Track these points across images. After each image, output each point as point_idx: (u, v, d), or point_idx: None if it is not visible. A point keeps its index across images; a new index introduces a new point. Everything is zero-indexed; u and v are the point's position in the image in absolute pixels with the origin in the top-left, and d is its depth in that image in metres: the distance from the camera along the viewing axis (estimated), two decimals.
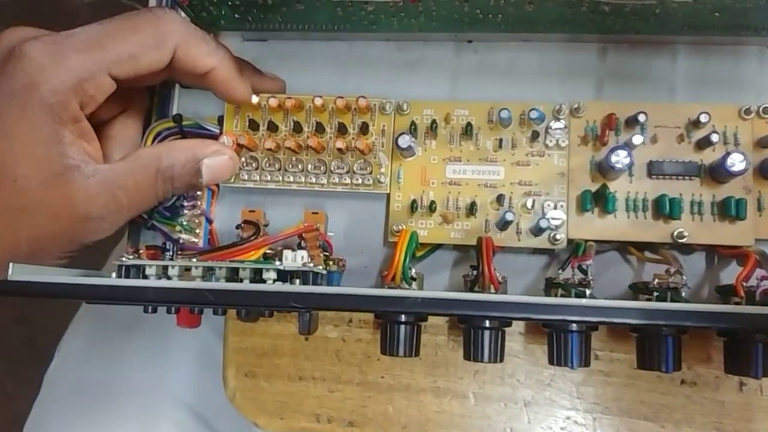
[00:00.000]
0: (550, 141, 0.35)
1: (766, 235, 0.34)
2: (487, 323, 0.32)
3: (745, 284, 0.31)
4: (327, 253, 0.35)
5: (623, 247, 0.36)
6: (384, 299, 0.27)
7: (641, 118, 0.34)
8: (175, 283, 0.29)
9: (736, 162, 0.32)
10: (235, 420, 0.39)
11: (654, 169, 0.35)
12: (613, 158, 0.33)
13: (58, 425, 0.45)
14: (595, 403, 0.36)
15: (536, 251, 0.36)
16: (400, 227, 0.35)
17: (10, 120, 0.29)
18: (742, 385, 0.35)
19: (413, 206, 0.35)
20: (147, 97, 0.37)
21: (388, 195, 0.36)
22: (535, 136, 0.35)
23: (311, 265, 0.31)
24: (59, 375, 0.49)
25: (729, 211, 0.34)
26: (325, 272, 0.32)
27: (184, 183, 0.33)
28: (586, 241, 0.34)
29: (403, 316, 0.32)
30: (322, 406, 0.36)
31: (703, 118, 0.34)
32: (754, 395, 0.35)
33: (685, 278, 0.32)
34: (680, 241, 0.34)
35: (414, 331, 0.33)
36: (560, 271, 0.33)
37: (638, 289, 0.34)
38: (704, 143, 0.34)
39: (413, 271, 0.33)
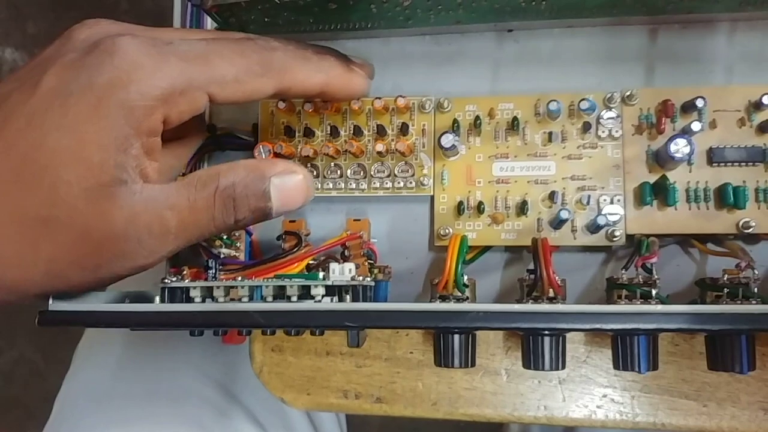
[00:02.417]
0: (603, 132, 0.34)
1: None
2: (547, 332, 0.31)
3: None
4: (372, 261, 0.34)
5: (685, 241, 0.34)
6: (443, 314, 0.26)
7: (699, 103, 0.32)
8: (223, 306, 0.28)
9: None
10: (264, 395, 0.39)
11: (715, 157, 0.33)
12: (673, 147, 0.31)
13: (87, 399, 0.44)
14: (633, 380, 0.34)
15: (592, 248, 0.35)
16: (447, 231, 0.34)
17: (77, 115, 0.25)
18: None
19: (460, 208, 0.34)
20: (204, 129, 0.36)
21: (432, 197, 0.35)
22: (586, 127, 0.33)
23: (360, 278, 0.30)
24: (88, 350, 0.48)
25: None
26: (373, 284, 0.31)
27: (249, 208, 0.27)
28: (648, 236, 0.32)
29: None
30: (350, 382, 0.35)
31: (765, 100, 0.32)
32: None
33: (756, 272, 0.30)
34: (746, 231, 0.32)
35: (469, 341, 0.31)
36: (623, 271, 0.31)
37: (706, 286, 0.32)
38: (767, 126, 0.32)
39: (466, 277, 0.31)
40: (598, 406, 0.35)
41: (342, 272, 0.29)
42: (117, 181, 0.25)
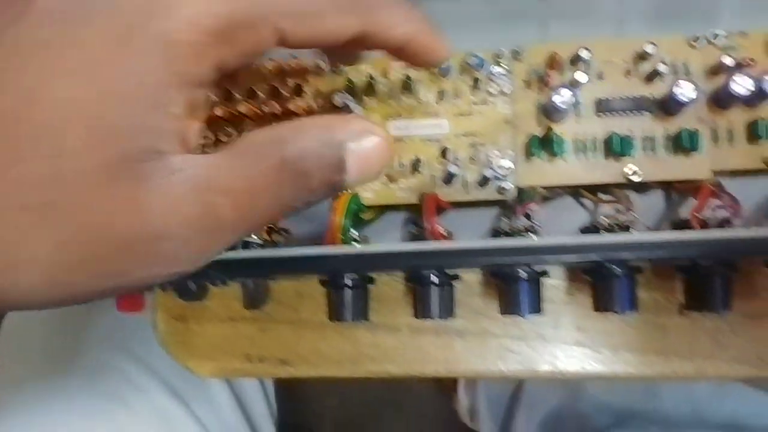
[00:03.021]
0: (493, 88, 0.34)
1: (723, 166, 0.33)
2: (435, 279, 0.31)
3: (699, 215, 0.30)
4: (271, 224, 0.34)
5: (577, 192, 0.34)
6: (316, 259, 0.26)
7: (584, 54, 0.33)
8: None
9: (687, 91, 0.31)
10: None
11: (602, 107, 0.33)
12: (556, 98, 0.32)
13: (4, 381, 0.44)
14: (530, 330, 0.35)
15: (490, 204, 0.35)
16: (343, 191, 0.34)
17: (93, 51, 0.17)
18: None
19: None
20: None
21: None
22: (476, 84, 0.34)
23: (255, 239, 0.30)
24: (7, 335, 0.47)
25: (683, 144, 0.32)
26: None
27: (322, 182, 0.20)
28: (533, 187, 0.32)
29: (348, 279, 0.31)
30: (254, 346, 0.35)
31: (649, 49, 0.32)
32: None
33: (635, 215, 0.30)
34: (634, 179, 0.33)
35: (360, 295, 0.32)
36: (506, 221, 0.32)
37: (587, 230, 0.32)
38: (653, 76, 0.33)
39: (357, 234, 0.31)
40: (497, 357, 0.35)
41: None
42: (148, 153, 0.18)
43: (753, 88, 0.31)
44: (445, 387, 0.78)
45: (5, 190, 0.17)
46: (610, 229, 0.31)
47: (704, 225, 0.30)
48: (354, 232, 0.31)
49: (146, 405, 0.44)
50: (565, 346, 0.35)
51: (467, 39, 0.35)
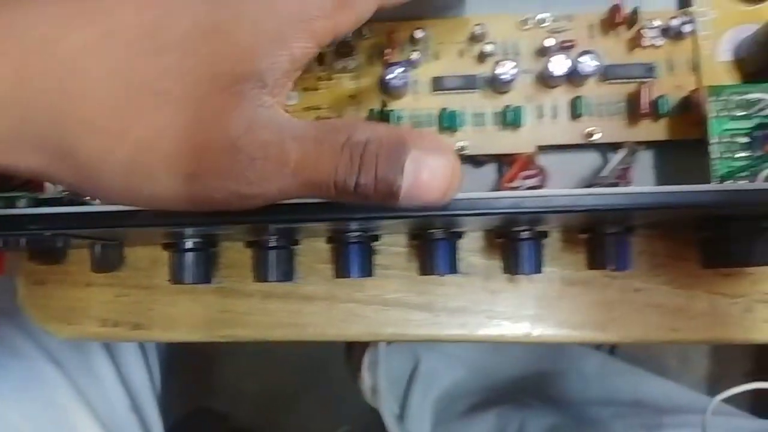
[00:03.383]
0: (338, 64, 0.36)
1: (546, 141, 0.35)
2: (273, 243, 0.33)
3: (509, 184, 0.32)
4: None
5: None
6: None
7: (418, 34, 0.35)
8: None
9: (507, 69, 0.33)
10: None
11: (436, 85, 0.35)
12: (389, 75, 0.34)
13: None
14: (373, 294, 0.37)
15: None
16: None
17: None
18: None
19: None
20: None
21: None
22: (320, 60, 0.36)
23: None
24: None
25: (507, 120, 0.35)
26: None
27: (375, 174, 0.21)
28: None
29: (189, 242, 0.33)
30: (110, 311, 0.37)
31: (478, 30, 0.35)
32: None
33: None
34: (463, 153, 0.35)
35: (202, 258, 0.33)
36: None
37: None
38: (484, 56, 0.35)
39: None
40: (343, 321, 0.37)
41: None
42: (255, 80, 0.21)
43: (569, 69, 0.33)
44: (356, 368, 0.80)
45: (150, 75, 0.20)
46: None
47: None
48: None
49: (25, 370, 0.45)
50: (407, 309, 0.37)
51: None
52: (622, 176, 0.32)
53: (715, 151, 0.32)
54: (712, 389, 1.02)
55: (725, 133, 0.32)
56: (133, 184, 0.21)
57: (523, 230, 0.33)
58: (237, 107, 0.20)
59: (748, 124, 0.32)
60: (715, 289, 0.37)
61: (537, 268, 0.33)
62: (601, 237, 0.32)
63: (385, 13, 0.34)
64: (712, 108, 0.32)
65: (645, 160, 0.36)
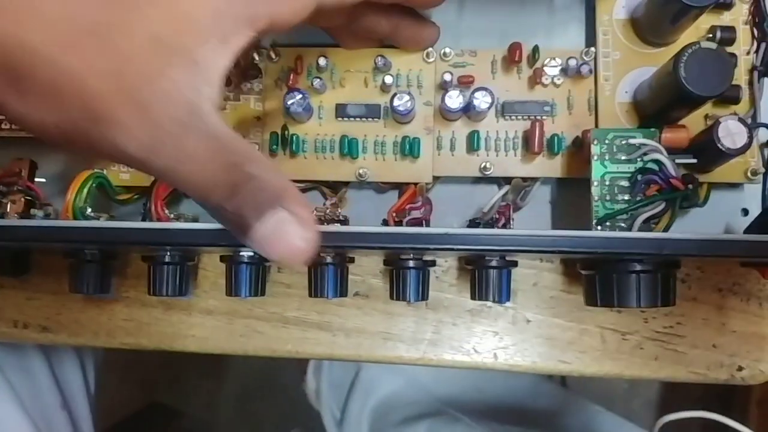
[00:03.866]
0: (246, 86, 0.37)
1: (444, 172, 0.36)
2: (168, 258, 0.34)
3: (395, 215, 0.33)
4: (31, 199, 0.37)
5: (317, 187, 0.37)
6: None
7: (322, 62, 0.36)
8: None
9: (402, 102, 0.34)
10: None
11: (340, 112, 0.36)
12: (289, 101, 0.34)
13: None
14: (276, 311, 0.38)
15: None
16: (102, 172, 0.37)
17: None
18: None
19: None
20: None
21: None
22: (228, 82, 0.36)
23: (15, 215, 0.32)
24: None
25: (406, 150, 0.35)
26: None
27: (241, 205, 0.22)
28: None
29: (88, 254, 0.34)
30: (21, 313, 0.39)
31: (379, 61, 0.35)
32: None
33: (340, 211, 0.34)
34: (363, 179, 0.36)
35: (102, 270, 0.35)
36: None
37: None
38: (387, 86, 0.36)
39: (90, 212, 0.34)
40: (241, 335, 0.38)
41: None
42: (187, 60, 0.22)
43: (462, 104, 0.34)
44: (303, 371, 0.81)
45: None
46: (321, 221, 0.34)
47: (399, 223, 0.33)
48: (91, 212, 0.34)
49: None
50: (306, 328, 0.38)
51: None
52: (503, 212, 0.33)
53: (596, 193, 0.32)
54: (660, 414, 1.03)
55: (607, 176, 0.33)
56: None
57: (410, 259, 0.33)
58: (183, 77, 0.21)
59: (630, 168, 0.32)
60: (606, 324, 0.37)
61: (422, 296, 0.34)
62: (481, 270, 0.33)
63: (294, 37, 0.36)
64: (594, 151, 0.32)
65: (542, 194, 0.37)
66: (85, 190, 0.34)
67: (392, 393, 0.68)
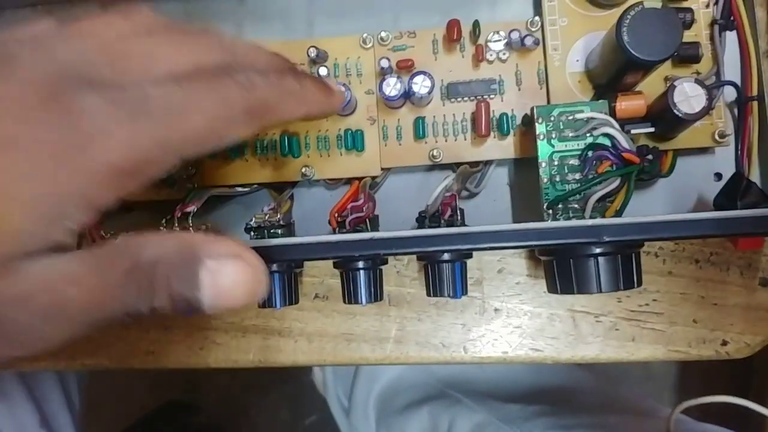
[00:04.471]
0: None
1: (392, 163, 0.34)
2: None
3: (338, 216, 0.32)
4: None
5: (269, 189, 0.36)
6: None
7: None
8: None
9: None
10: None
11: None
12: None
13: None
14: (234, 321, 0.37)
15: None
16: None
17: (14, 168, 0.19)
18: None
19: None
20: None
21: None
22: None
23: None
24: None
25: (350, 143, 0.34)
26: None
27: (170, 294, 0.20)
28: (197, 188, 0.34)
29: None
30: None
31: (312, 53, 0.34)
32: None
33: (279, 217, 0.32)
34: (308, 177, 0.34)
35: None
36: (175, 223, 0.33)
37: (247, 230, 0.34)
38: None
39: None
40: (202, 348, 0.37)
41: None
42: (22, 254, 0.19)
43: (400, 91, 0.32)
44: None
45: None
46: (261, 228, 0.32)
47: (341, 224, 0.31)
48: None
49: None
50: (266, 335, 0.37)
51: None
52: (448, 203, 0.31)
53: (544, 175, 0.30)
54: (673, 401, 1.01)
55: (555, 155, 0.30)
56: None
57: (358, 260, 0.32)
58: (6, 283, 0.19)
59: (580, 144, 0.30)
60: (577, 307, 0.36)
61: (374, 297, 0.32)
62: (433, 265, 0.31)
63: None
64: (539, 130, 0.30)
65: (499, 177, 0.35)
66: None
67: (395, 377, 0.67)
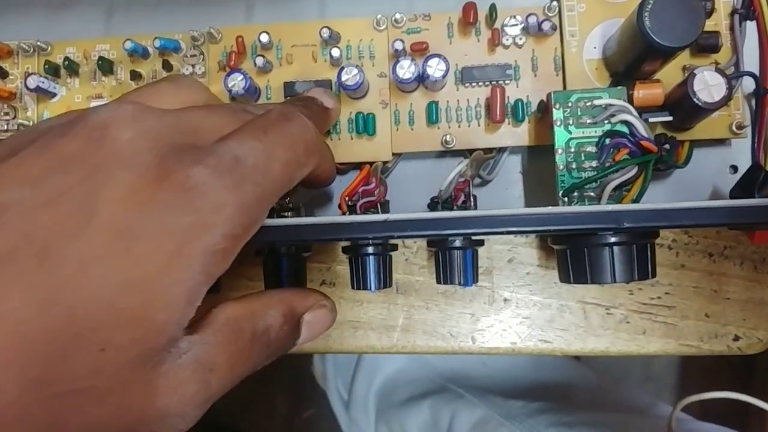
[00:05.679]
0: (187, 70, 0.34)
1: (404, 148, 0.34)
2: None
3: (348, 199, 0.31)
4: None
5: None
6: None
7: (264, 38, 0.33)
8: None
9: (350, 76, 0.32)
10: None
11: (288, 91, 0.34)
12: (229, 83, 0.32)
13: None
14: None
15: None
16: None
17: (148, 266, 0.19)
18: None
19: None
20: None
21: None
22: (167, 66, 0.34)
23: None
24: None
25: (361, 127, 0.33)
26: None
27: (279, 348, 0.24)
28: None
29: None
30: None
31: (324, 33, 0.33)
32: None
33: (288, 199, 0.32)
34: None
35: None
36: None
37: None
38: (336, 60, 0.33)
39: None
40: None
41: None
42: (170, 343, 0.20)
43: (415, 74, 0.32)
44: (310, 354, 0.80)
45: (49, 380, 0.18)
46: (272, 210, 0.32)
47: (352, 207, 0.31)
48: None
49: None
50: None
51: (172, 22, 0.36)
52: (461, 189, 0.30)
53: (560, 162, 0.30)
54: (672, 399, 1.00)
55: (572, 142, 0.30)
56: None
57: (367, 245, 0.31)
58: (160, 376, 0.20)
59: (597, 131, 0.30)
60: (588, 298, 0.35)
61: (384, 283, 0.32)
62: (444, 252, 0.31)
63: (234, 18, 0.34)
64: (556, 116, 0.30)
65: (512, 165, 0.35)
66: None
67: (396, 371, 0.66)
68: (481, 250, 0.33)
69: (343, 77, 0.32)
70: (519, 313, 0.35)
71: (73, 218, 0.19)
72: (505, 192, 0.34)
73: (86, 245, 0.18)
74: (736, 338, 0.34)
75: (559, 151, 0.30)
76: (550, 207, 0.25)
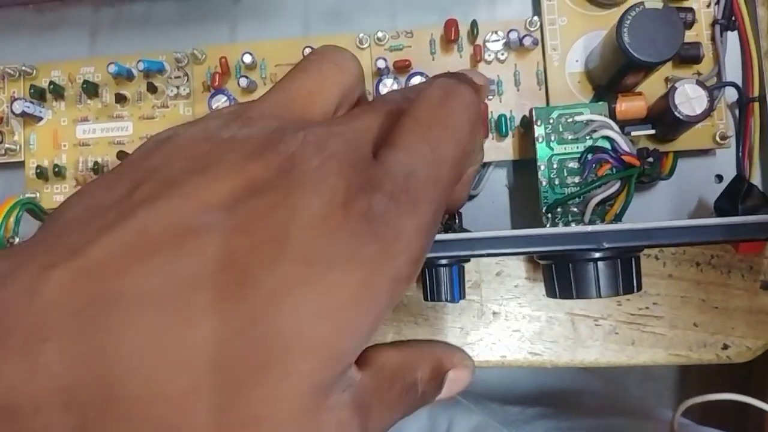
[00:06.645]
0: (172, 91, 0.35)
1: None
2: None
3: None
4: None
5: None
6: None
7: (247, 59, 0.33)
8: None
9: None
10: None
11: None
12: (213, 104, 0.32)
13: None
14: None
15: None
16: (35, 195, 0.35)
17: (341, 295, 0.19)
18: None
19: (44, 172, 0.35)
20: None
21: (23, 163, 0.36)
22: (151, 88, 0.34)
23: None
24: None
25: None
26: None
27: (421, 403, 0.23)
28: None
29: None
30: None
31: (308, 52, 0.33)
32: None
33: None
34: None
35: None
36: None
37: None
38: None
39: (17, 239, 0.32)
40: None
41: None
42: (344, 371, 0.19)
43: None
44: None
45: (228, 406, 0.18)
46: None
47: None
48: (15, 239, 0.32)
49: None
50: None
51: (156, 41, 0.36)
52: None
53: (543, 177, 0.30)
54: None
55: (554, 158, 0.30)
56: None
57: None
58: (327, 408, 0.19)
59: (580, 147, 0.30)
60: (576, 310, 0.35)
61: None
62: (430, 270, 0.31)
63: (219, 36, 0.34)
64: (538, 132, 0.30)
65: (498, 179, 0.35)
66: (12, 219, 0.32)
67: None
68: (468, 264, 0.33)
69: None
70: (508, 326, 0.35)
71: (267, 245, 0.18)
72: (491, 206, 0.34)
73: (281, 272, 0.18)
74: (725, 347, 0.34)
75: (542, 167, 0.30)
76: (531, 229, 0.25)
